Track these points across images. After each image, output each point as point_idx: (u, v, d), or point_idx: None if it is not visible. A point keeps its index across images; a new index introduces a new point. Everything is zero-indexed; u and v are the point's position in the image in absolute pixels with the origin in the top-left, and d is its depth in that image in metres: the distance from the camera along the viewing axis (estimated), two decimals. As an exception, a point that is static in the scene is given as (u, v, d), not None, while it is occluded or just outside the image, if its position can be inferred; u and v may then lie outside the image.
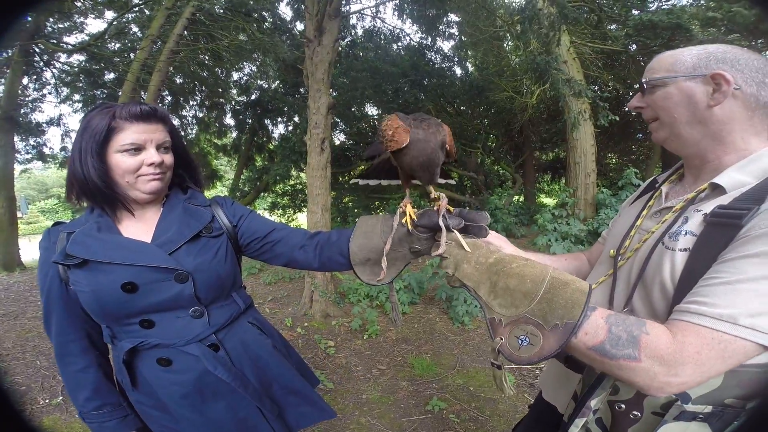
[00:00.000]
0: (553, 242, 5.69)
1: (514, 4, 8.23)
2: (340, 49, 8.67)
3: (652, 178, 1.02)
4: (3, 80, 7.23)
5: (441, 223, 0.84)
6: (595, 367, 0.72)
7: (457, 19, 9.62)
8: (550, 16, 4.89)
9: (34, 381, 2.96)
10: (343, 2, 7.71)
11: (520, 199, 11.53)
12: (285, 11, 8.57)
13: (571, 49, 6.26)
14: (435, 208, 0.88)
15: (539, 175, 13.34)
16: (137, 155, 0.95)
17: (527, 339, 0.66)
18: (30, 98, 8.17)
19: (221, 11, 5.30)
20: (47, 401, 2.67)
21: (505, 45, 8.92)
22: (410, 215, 0.89)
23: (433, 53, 10.32)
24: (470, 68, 11.12)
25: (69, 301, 0.98)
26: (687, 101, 0.75)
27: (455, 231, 0.83)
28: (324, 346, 3.39)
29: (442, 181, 0.98)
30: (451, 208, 0.87)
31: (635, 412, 0.75)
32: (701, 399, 0.68)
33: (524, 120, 8.38)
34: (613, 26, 7.29)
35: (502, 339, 0.68)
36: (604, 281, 0.90)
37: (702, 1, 6.91)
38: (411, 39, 10.19)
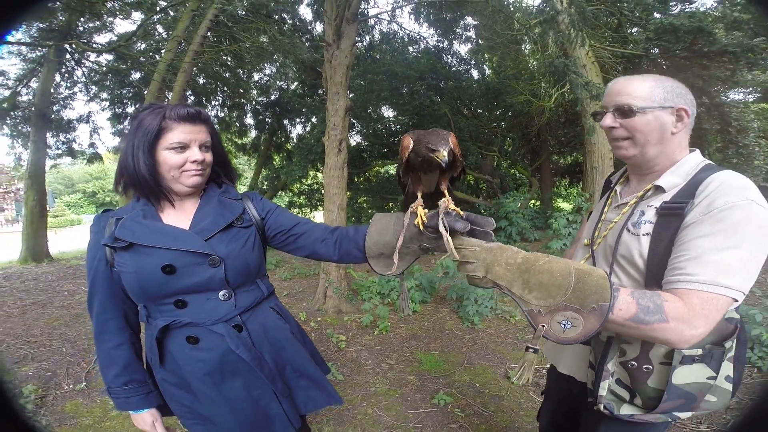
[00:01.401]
0: (567, 247, 5.67)
1: (532, 7, 8.21)
2: (358, 52, 8.79)
3: (606, 180, 1.29)
4: (37, 78, 7.58)
5: (440, 225, 0.90)
6: (629, 334, 0.85)
7: (474, 22, 9.63)
8: (570, 17, 4.89)
9: (60, 367, 3.10)
10: (361, 6, 7.83)
11: (536, 203, 11.45)
12: (305, 12, 8.74)
13: (590, 53, 6.22)
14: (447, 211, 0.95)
15: (557, 179, 13.21)
16: (183, 153, 1.04)
17: (569, 323, 0.78)
18: (62, 96, 8.52)
19: (243, 13, 5.46)
20: (71, 387, 2.81)
21: (523, 48, 8.89)
22: (421, 216, 0.96)
23: (449, 56, 10.35)
24: (487, 71, 11.10)
25: (112, 282, 1.08)
26: (659, 128, 0.96)
27: (447, 233, 0.90)
28: (336, 340, 3.49)
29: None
30: (462, 212, 0.93)
31: (647, 366, 0.91)
32: (691, 346, 0.85)
33: (541, 123, 8.34)
34: (634, 30, 7.20)
35: (544, 326, 0.80)
36: (586, 261, 1.12)
37: (727, 3, 6.77)
38: (428, 42, 10.24)
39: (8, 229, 20.74)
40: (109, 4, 6.11)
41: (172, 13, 6.50)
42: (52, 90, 7.92)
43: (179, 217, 1.11)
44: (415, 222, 0.97)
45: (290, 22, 7.76)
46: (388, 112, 10.39)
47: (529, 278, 0.81)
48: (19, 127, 8.16)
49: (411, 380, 2.85)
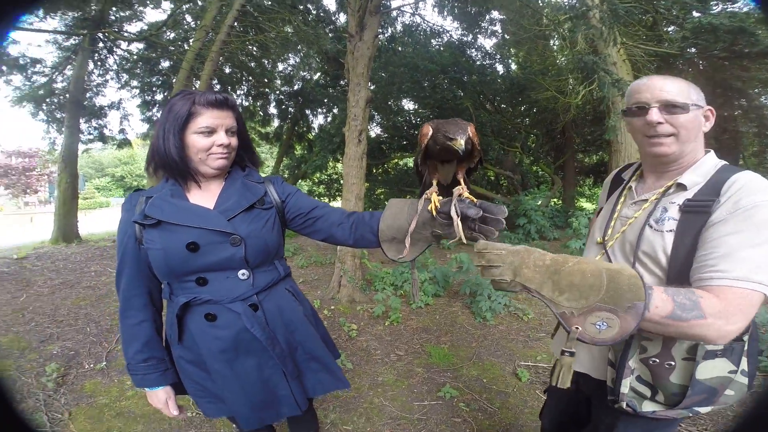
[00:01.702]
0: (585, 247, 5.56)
1: (561, 2, 7.97)
2: (380, 44, 8.74)
3: (612, 177, 1.29)
4: (72, 66, 7.86)
5: (452, 210, 0.93)
6: (664, 332, 0.84)
7: (500, 17, 9.43)
8: (601, 13, 4.73)
9: (83, 347, 3.22)
10: None
11: (558, 202, 11.22)
12: (328, 3, 8.77)
13: (621, 51, 6.01)
14: (461, 197, 0.97)
15: (580, 178, 12.90)
16: (210, 137, 1.09)
17: (604, 323, 0.77)
18: (94, 83, 8.83)
19: (269, 3, 5.52)
20: (92, 366, 2.91)
21: (551, 44, 8.66)
22: (435, 202, 0.98)
23: (473, 50, 10.19)
24: (513, 66, 10.87)
25: (139, 259, 1.13)
26: (698, 126, 0.99)
27: (459, 218, 0.92)
28: (347, 329, 3.54)
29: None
30: (474, 199, 0.95)
31: (669, 362, 0.92)
32: None
33: (567, 121, 8.14)
34: (670, 29, 6.90)
35: (578, 328, 0.79)
36: (600, 259, 1.09)
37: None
38: (451, 36, 10.11)
39: (42, 209, 21.73)
40: None
41: (200, 3, 6.63)
42: (85, 77, 8.21)
43: (205, 197, 1.16)
44: (429, 207, 0.99)
45: (314, 12, 7.81)
46: (408, 105, 10.35)
47: (559, 280, 0.80)
48: (55, 113, 8.51)
49: (418, 372, 2.87)
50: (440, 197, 1.01)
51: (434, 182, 1.08)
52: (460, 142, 0.94)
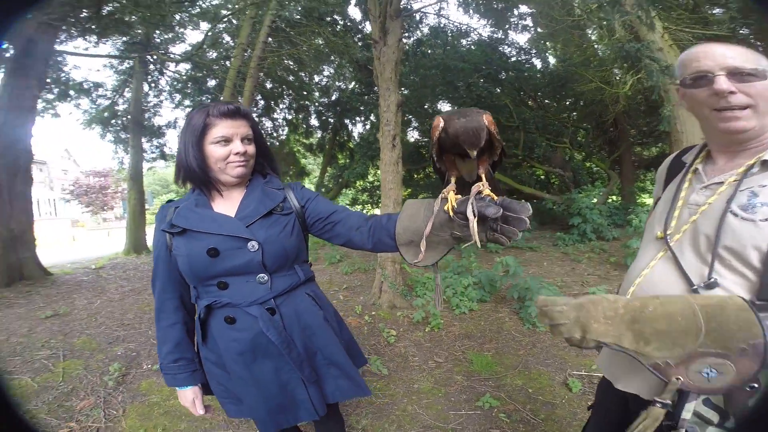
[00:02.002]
0: (645, 246, 5.10)
1: None
2: (407, 48, 8.69)
3: (670, 162, 1.09)
4: (129, 89, 8.61)
5: (468, 210, 0.85)
6: None
7: (529, 10, 9.05)
8: None
9: (144, 348, 3.44)
10: (405, 2, 7.74)
11: (617, 199, 10.47)
12: (354, 12, 8.86)
13: (666, 36, 5.51)
14: (479, 195, 0.89)
15: (640, 172, 11.93)
16: (226, 146, 1.13)
17: (713, 370, 0.66)
18: (151, 104, 9.61)
19: (298, 17, 5.71)
20: (149, 366, 3.09)
21: (588, 33, 8.15)
22: (451, 202, 0.91)
23: (506, 47, 9.86)
24: (551, 60, 10.37)
25: (171, 265, 1.19)
26: None
27: (475, 219, 0.84)
28: (386, 335, 3.49)
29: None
30: (495, 196, 0.87)
31: (752, 385, 0.75)
32: None
33: (617, 112, 7.58)
34: (715, 10, 6.24)
35: (679, 379, 0.68)
36: (662, 259, 0.92)
37: None
38: (480, 34, 9.88)
39: (117, 224, 24.00)
40: (177, 16, 6.76)
41: (235, 22, 7.02)
42: (142, 99, 8.97)
43: (227, 205, 1.20)
44: (445, 207, 0.92)
45: (341, 23, 7.96)
46: (444, 107, 10.19)
47: (641, 329, 0.69)
48: (120, 134, 9.37)
49: (457, 380, 2.75)
50: (459, 196, 0.93)
51: (453, 179, 1.02)
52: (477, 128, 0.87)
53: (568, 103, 10.18)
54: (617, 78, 6.51)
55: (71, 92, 8.31)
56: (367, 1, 4.00)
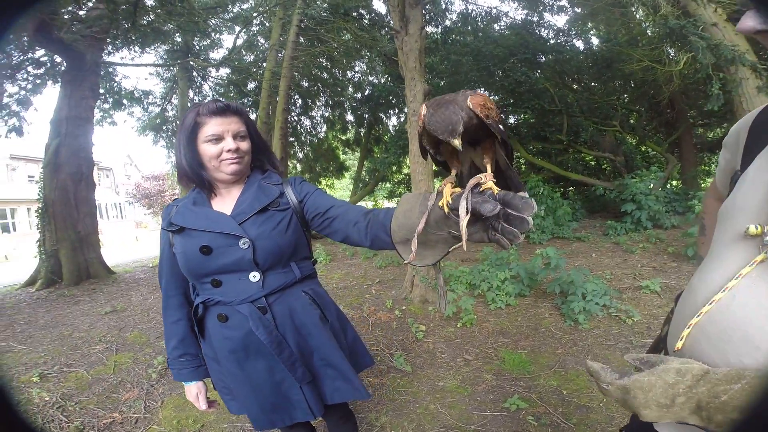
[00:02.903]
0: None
1: None
2: (436, 36, 8.41)
3: (754, 117, 0.74)
4: (176, 95, 9.12)
5: (460, 206, 0.74)
6: None
7: None
8: None
9: None
10: None
11: (677, 184, 9.62)
12: (378, 6, 8.74)
13: (720, 11, 4.92)
14: (478, 188, 0.78)
15: (704, 155, 10.86)
16: (218, 144, 1.12)
17: None
18: (197, 109, 10.13)
19: (324, 14, 5.73)
20: None
21: (633, 11, 7.45)
22: (446, 197, 0.80)
23: (543, 29, 9.30)
24: (594, 40, 9.66)
25: (173, 262, 1.22)
26: None
27: (467, 216, 0.73)
28: (415, 330, 3.43)
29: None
30: (496, 189, 0.75)
31: None
32: None
33: (671, 92, 6.91)
34: None
35: None
36: (758, 269, 0.59)
37: None
38: (513, 18, 9.41)
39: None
40: (212, 22, 7.02)
41: (267, 24, 7.18)
42: (188, 105, 9.48)
43: (226, 202, 1.20)
44: (440, 203, 0.81)
45: (368, 17, 7.89)
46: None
47: (711, 416, 0.53)
48: (171, 139, 9.97)
49: (486, 379, 2.64)
50: (457, 189, 0.82)
51: (453, 172, 0.91)
52: (456, 143, 0.75)
53: (616, 84, 9.43)
54: (670, 57, 5.91)
55: (124, 101, 8.96)
56: (386, -9, 3.92)
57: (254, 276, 1.13)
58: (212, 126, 1.11)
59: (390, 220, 0.95)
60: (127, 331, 4.01)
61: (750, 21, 0.59)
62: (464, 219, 0.73)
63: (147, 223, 30.41)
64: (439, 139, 0.91)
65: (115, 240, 17.74)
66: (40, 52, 6.41)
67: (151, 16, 5.83)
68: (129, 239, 19.62)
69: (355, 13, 6.76)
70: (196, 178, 1.16)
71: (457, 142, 0.77)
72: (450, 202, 0.79)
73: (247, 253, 1.10)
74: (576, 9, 8.73)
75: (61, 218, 6.46)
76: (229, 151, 1.12)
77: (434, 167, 4.42)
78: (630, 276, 4.77)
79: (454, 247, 0.85)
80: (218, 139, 1.12)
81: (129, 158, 33.19)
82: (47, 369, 3.11)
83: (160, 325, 4.25)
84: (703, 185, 9.85)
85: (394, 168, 8.90)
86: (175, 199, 1.27)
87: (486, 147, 0.88)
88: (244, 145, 1.16)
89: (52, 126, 6.47)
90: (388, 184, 11.58)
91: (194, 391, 1.29)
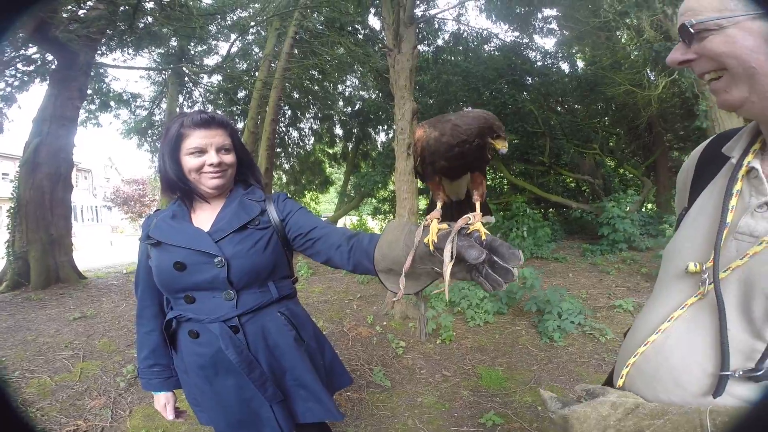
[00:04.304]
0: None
1: None
2: (428, 55, 8.62)
3: (700, 155, 0.76)
4: (165, 99, 9.03)
5: (445, 250, 0.71)
6: None
7: (554, 13, 8.85)
8: None
9: None
10: (421, 8, 7.67)
11: (651, 207, 9.96)
12: (373, 22, 8.88)
13: None
14: (466, 229, 0.75)
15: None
16: (201, 156, 1.10)
17: None
18: (185, 115, 10.02)
19: (320, 27, 5.84)
20: None
21: (618, 35, 7.86)
22: (432, 235, 0.77)
23: (531, 51, 9.66)
24: (579, 64, 10.08)
25: (149, 274, 1.19)
26: (763, 44, 0.53)
27: (451, 262, 0.70)
28: (395, 346, 3.42)
29: (487, 219, 0.80)
30: (484, 234, 0.73)
31: None
32: None
33: (650, 116, 7.24)
34: None
35: None
36: (692, 308, 0.63)
37: None
38: (503, 39, 9.73)
39: (155, 231, 25.12)
40: (212, 28, 7.04)
41: (263, 33, 7.24)
42: (177, 110, 9.38)
43: (207, 216, 1.17)
44: (425, 240, 0.78)
45: (362, 32, 8.05)
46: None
47: None
48: (156, 144, 9.81)
49: (464, 395, 2.64)
50: (444, 226, 0.78)
51: (439, 204, 0.86)
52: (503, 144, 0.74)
53: (598, 107, 9.81)
54: (650, 80, 6.21)
55: (111, 103, 8.81)
56: (382, 9, 4.02)
57: (228, 295, 1.11)
58: (195, 138, 1.09)
59: (374, 248, 0.93)
60: (95, 338, 3.87)
61: (676, 53, 0.62)
62: (448, 265, 0.70)
63: (123, 228, 29.58)
64: (427, 169, 0.87)
65: (89, 244, 17.16)
66: (32, 50, 6.29)
67: (149, 19, 5.81)
68: (103, 244, 19.01)
69: (350, 28, 6.91)
70: (179, 190, 1.14)
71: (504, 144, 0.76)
72: (436, 241, 0.76)
73: (222, 272, 1.08)
74: (564, 32, 9.08)
75: (34, 219, 6.24)
76: (211, 165, 1.11)
77: (420, 184, 4.48)
78: (605, 295, 4.89)
79: (437, 288, 0.82)
80: (201, 151, 1.10)
81: (110, 160, 32.46)
82: (7, 374, 2.98)
83: (131, 333, 4.13)
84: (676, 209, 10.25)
85: (380, 185, 8.94)
86: (156, 210, 1.25)
87: (476, 179, 0.86)
88: (228, 158, 1.14)
89: (34, 124, 6.30)
90: (373, 200, 11.61)
91: (162, 401, 1.27)
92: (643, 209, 9.27)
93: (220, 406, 1.16)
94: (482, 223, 0.72)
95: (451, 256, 0.70)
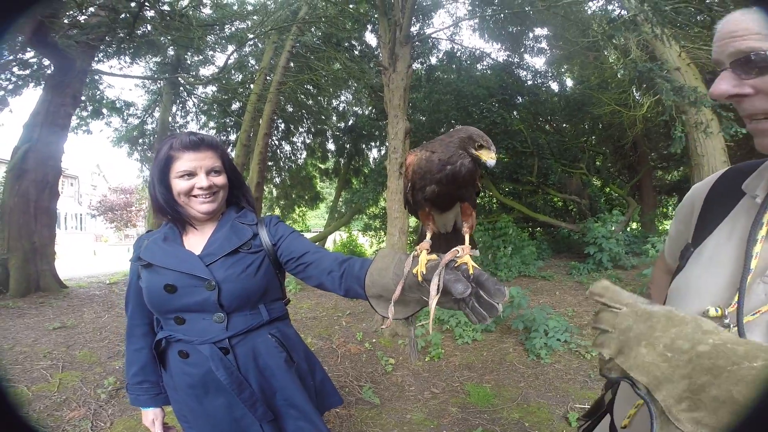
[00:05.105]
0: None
1: (601, 11, 7.52)
2: (422, 73, 8.79)
3: (712, 184, 0.71)
4: (159, 109, 9.00)
5: (432, 283, 0.73)
6: None
7: (545, 33, 9.16)
8: (643, 14, 4.36)
9: None
10: (417, 28, 7.84)
11: (636, 226, 10.17)
12: (370, 39, 9.06)
13: (683, 55, 5.43)
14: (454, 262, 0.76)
15: (662, 197, 11.61)
16: (191, 180, 1.10)
17: None
18: (178, 125, 9.98)
19: (317, 42, 5.94)
20: None
21: (606, 54, 8.18)
22: (421, 266, 0.79)
23: (522, 70, 9.91)
24: (568, 83, 10.39)
25: (139, 293, 1.19)
26: None
27: (437, 296, 0.72)
28: (384, 363, 3.41)
29: (473, 253, 0.80)
30: (472, 267, 0.74)
31: None
32: None
33: (635, 135, 7.45)
34: None
35: None
36: None
37: None
38: (495, 58, 9.96)
39: (140, 241, 24.69)
40: (210, 39, 7.09)
41: (260, 45, 7.32)
42: (170, 119, 9.35)
43: (198, 239, 1.18)
44: (414, 271, 0.80)
45: (358, 48, 8.21)
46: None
47: (706, 385, 0.43)
48: (146, 153, 9.73)
49: (452, 412, 2.65)
50: (433, 256, 0.80)
51: (428, 234, 0.87)
52: (491, 155, 0.74)
53: (585, 126, 10.07)
54: (636, 100, 6.41)
55: (104, 110, 8.75)
56: (378, 28, 4.12)
57: (219, 317, 1.11)
58: (185, 162, 1.09)
59: (365, 275, 0.95)
60: (76, 349, 3.77)
61: (724, 84, 0.56)
62: (434, 299, 0.72)
63: (107, 237, 28.97)
64: (417, 198, 0.86)
65: (72, 252, 16.74)
66: (29, 54, 6.24)
67: (149, 28, 5.83)
68: (86, 253, 18.57)
69: (346, 44, 7.04)
70: (170, 213, 1.15)
71: (492, 155, 0.76)
72: (425, 272, 0.78)
73: (212, 295, 1.09)
74: (555, 50, 9.36)
75: (17, 227, 6.09)
76: (201, 188, 1.11)
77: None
78: (590, 313, 4.94)
79: (423, 319, 0.83)
80: (191, 174, 1.10)
81: (98, 168, 31.98)
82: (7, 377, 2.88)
83: (113, 345, 4.02)
84: (660, 228, 10.48)
85: (371, 202, 8.98)
86: (148, 231, 1.26)
87: (465, 210, 0.86)
88: (219, 180, 1.15)
89: (24, 130, 6.21)
90: (364, 216, 11.63)
91: (150, 417, 1.27)
92: (628, 229, 9.45)
93: (210, 424, 1.16)
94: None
95: (438, 290, 0.72)
